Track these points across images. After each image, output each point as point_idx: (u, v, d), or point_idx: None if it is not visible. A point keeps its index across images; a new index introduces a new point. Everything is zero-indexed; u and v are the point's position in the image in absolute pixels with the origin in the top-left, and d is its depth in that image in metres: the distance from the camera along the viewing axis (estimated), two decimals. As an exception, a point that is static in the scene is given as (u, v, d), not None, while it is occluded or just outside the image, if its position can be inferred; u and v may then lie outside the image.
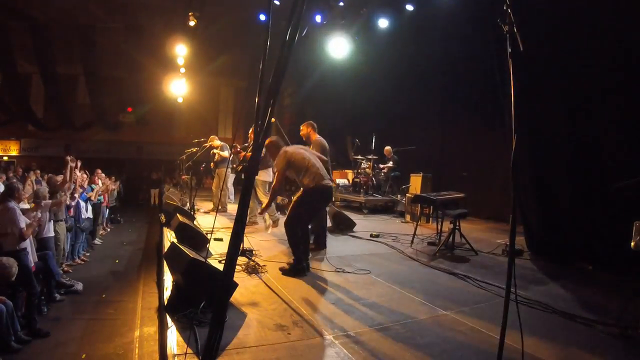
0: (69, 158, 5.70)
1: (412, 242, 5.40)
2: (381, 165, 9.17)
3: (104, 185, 8.53)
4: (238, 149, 6.59)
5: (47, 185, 5.57)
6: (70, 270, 6.14)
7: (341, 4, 8.64)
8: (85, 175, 7.58)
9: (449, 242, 5.01)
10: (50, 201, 5.01)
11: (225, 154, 7.43)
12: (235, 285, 2.99)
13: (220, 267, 3.37)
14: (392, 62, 9.84)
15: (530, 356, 2.35)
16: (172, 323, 2.69)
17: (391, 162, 9.10)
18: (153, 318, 4.39)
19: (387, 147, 9.17)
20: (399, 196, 8.64)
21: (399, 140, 9.24)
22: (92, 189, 7.72)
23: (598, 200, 4.28)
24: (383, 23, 9.08)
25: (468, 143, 8.43)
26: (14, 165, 12.48)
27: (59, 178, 5.76)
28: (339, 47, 8.17)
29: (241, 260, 4.10)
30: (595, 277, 4.12)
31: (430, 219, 7.11)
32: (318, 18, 9.16)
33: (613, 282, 3.91)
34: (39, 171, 9.85)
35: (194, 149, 7.81)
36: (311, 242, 4.83)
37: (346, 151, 10.58)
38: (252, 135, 6.23)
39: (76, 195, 6.30)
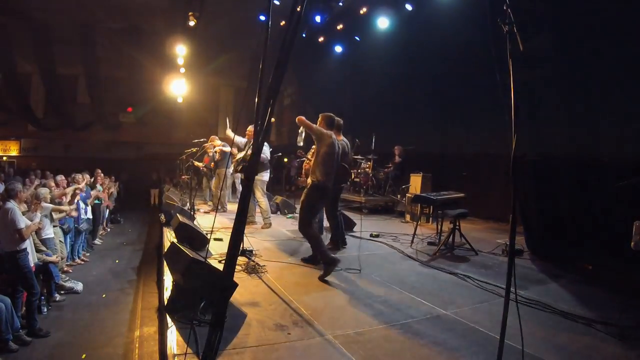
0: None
1: (412, 242, 5.40)
2: (390, 165, 9.12)
3: (104, 188, 8.50)
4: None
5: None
6: (70, 270, 6.13)
7: (341, 4, 8.65)
8: (87, 177, 7.59)
9: (449, 242, 5.01)
10: (51, 206, 5.02)
11: (227, 149, 7.46)
12: (235, 285, 2.99)
13: (220, 267, 3.37)
14: (391, 62, 9.83)
15: (530, 356, 2.35)
16: (172, 323, 2.69)
17: (397, 160, 9.05)
18: (153, 318, 4.39)
19: (397, 146, 9.14)
20: (399, 196, 8.64)
21: (399, 140, 9.24)
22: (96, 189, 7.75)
23: (598, 200, 4.28)
24: (383, 23, 9.09)
25: (468, 143, 8.43)
26: (14, 167, 12.49)
27: (52, 186, 5.77)
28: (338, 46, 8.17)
29: (241, 260, 4.10)
30: (595, 277, 4.12)
31: (430, 219, 7.11)
32: (318, 18, 9.17)
33: (613, 282, 3.91)
34: (39, 172, 9.83)
35: (194, 149, 7.82)
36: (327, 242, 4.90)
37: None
38: (249, 133, 6.22)
39: (75, 200, 6.30)
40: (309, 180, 4.19)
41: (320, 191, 4.12)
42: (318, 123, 4.37)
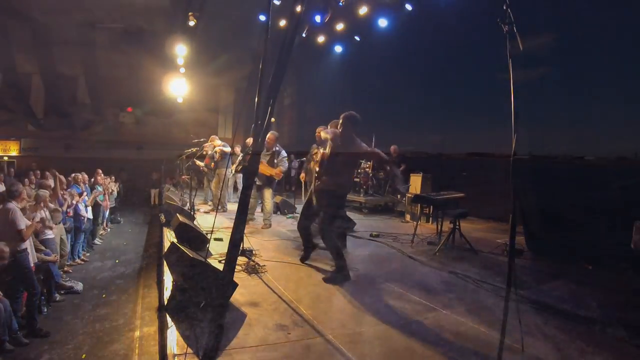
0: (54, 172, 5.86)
1: (412, 242, 5.40)
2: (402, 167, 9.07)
3: (103, 188, 8.49)
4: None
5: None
6: (70, 270, 6.13)
7: (341, 4, 8.64)
8: (86, 177, 7.59)
9: (449, 242, 5.01)
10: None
11: (227, 149, 7.51)
12: (235, 285, 2.99)
13: (220, 267, 3.37)
14: (391, 62, 9.85)
15: (530, 356, 2.35)
16: (172, 323, 2.69)
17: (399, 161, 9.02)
18: (153, 318, 4.38)
19: (394, 146, 9.11)
20: (399, 196, 8.63)
21: (399, 140, 9.25)
22: (97, 189, 7.76)
23: (598, 200, 4.28)
24: (383, 23, 9.09)
25: (468, 143, 8.44)
26: (14, 167, 12.49)
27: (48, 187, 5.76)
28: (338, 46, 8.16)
29: (241, 260, 4.10)
30: (595, 276, 4.12)
31: (430, 218, 7.11)
32: (318, 18, 9.16)
33: (613, 281, 3.91)
34: (38, 172, 9.82)
35: (194, 149, 7.82)
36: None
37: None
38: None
39: (74, 201, 6.30)
40: (327, 185, 3.92)
41: (344, 198, 4.02)
42: (341, 126, 4.07)
